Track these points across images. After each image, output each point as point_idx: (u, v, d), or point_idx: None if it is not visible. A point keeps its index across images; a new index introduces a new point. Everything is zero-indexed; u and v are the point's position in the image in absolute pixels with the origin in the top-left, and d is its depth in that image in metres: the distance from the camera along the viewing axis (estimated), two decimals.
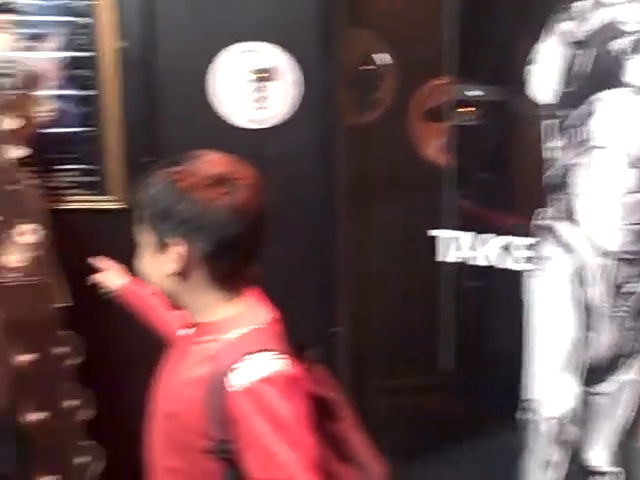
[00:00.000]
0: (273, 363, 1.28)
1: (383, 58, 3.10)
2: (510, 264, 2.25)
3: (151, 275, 1.37)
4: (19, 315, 2.02)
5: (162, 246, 1.33)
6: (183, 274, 1.32)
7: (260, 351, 1.28)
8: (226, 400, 1.25)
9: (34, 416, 2.00)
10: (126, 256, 2.39)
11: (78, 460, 2.04)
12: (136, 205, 1.36)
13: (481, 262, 2.36)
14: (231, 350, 1.30)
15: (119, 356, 2.32)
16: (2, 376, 1.98)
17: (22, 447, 1.97)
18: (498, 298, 2.82)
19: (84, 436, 2.06)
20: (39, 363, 2.02)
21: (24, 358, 2.01)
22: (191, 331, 1.40)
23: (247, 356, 1.27)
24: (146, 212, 1.34)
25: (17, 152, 2.10)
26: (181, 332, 1.43)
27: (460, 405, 2.98)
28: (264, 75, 2.43)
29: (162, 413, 1.38)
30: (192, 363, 1.35)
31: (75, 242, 2.26)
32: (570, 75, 1.83)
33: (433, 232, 2.47)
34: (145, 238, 1.36)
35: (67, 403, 2.05)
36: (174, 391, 1.37)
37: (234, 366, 1.26)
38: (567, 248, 1.82)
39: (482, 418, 2.83)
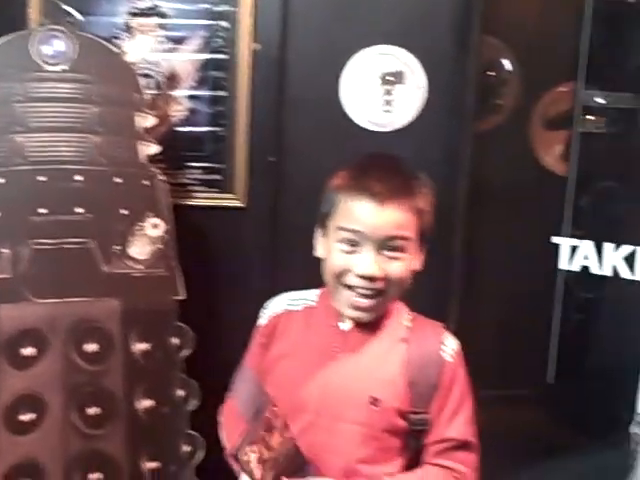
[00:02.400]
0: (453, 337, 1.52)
1: (508, 64, 3.09)
2: (633, 274, 2.21)
3: (402, 275, 1.45)
4: (139, 305, 2.11)
5: (421, 247, 1.49)
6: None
7: (445, 328, 1.52)
8: (441, 372, 1.45)
9: (145, 403, 2.09)
10: (243, 252, 2.49)
11: (182, 449, 2.12)
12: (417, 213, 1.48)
13: (604, 271, 2.31)
14: (425, 330, 1.51)
15: (227, 351, 2.40)
16: (118, 364, 2.07)
17: (132, 432, 2.06)
18: (615, 308, 2.76)
19: (188, 426, 2.14)
20: (153, 352, 2.12)
21: (139, 346, 2.10)
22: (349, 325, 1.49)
23: (444, 333, 1.51)
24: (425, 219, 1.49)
25: (151, 149, 2.21)
26: (343, 326, 1.49)
27: (564, 418, 2.95)
28: (391, 78, 2.46)
29: (355, 405, 1.44)
30: (378, 349, 1.46)
31: (194, 238, 2.35)
32: None
33: (555, 239, 2.44)
34: (414, 245, 1.47)
35: (176, 393, 2.13)
36: (367, 379, 1.45)
37: (443, 340, 1.48)
38: None
39: (588, 432, 2.79)
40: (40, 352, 2.00)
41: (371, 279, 1.40)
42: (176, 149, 2.43)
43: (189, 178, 2.47)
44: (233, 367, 2.43)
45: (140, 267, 2.12)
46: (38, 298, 2.01)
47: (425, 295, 2.46)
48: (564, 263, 2.45)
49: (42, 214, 2.06)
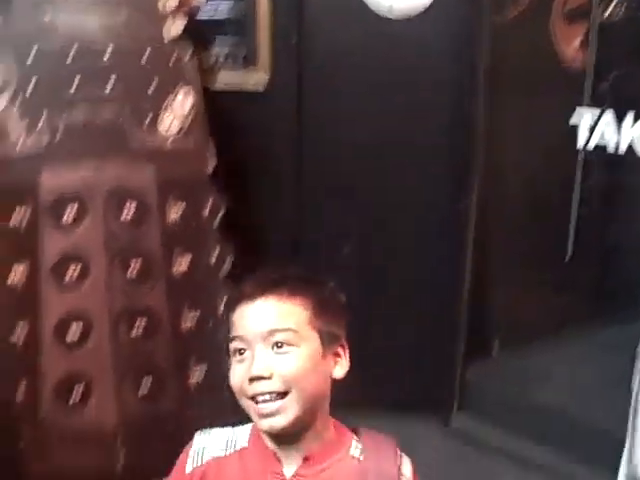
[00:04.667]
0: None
1: None
2: None
3: (296, 372, 1.30)
4: (172, 175, 2.21)
5: (330, 346, 1.32)
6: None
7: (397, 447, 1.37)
8: None
9: (182, 264, 2.22)
10: (268, 133, 2.56)
11: (218, 304, 2.24)
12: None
13: (621, 148, 2.36)
14: (377, 456, 1.37)
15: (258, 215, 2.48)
16: (155, 228, 2.19)
17: (170, 289, 2.21)
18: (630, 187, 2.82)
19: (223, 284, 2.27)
20: (188, 216, 2.23)
21: (174, 212, 2.21)
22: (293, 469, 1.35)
23: (398, 452, 1.36)
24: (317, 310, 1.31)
25: (178, 27, 2.26)
26: (287, 472, 1.34)
27: (582, 294, 3.04)
28: None
29: None
30: None
31: (220, 120, 2.38)
32: None
33: (574, 119, 2.48)
34: (309, 340, 1.31)
35: (211, 253, 2.26)
36: None
37: (400, 463, 1.34)
38: None
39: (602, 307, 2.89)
40: (80, 216, 2.12)
41: (260, 379, 1.29)
42: (200, 31, 2.47)
43: (215, 60, 2.53)
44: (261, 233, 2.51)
45: (171, 140, 2.21)
46: (75, 167, 2.11)
47: (447, 171, 2.56)
48: (582, 141, 2.50)
49: (73, 90, 2.13)
